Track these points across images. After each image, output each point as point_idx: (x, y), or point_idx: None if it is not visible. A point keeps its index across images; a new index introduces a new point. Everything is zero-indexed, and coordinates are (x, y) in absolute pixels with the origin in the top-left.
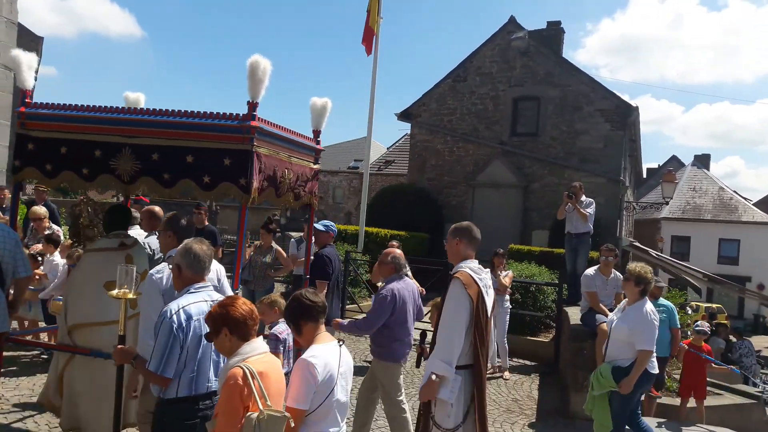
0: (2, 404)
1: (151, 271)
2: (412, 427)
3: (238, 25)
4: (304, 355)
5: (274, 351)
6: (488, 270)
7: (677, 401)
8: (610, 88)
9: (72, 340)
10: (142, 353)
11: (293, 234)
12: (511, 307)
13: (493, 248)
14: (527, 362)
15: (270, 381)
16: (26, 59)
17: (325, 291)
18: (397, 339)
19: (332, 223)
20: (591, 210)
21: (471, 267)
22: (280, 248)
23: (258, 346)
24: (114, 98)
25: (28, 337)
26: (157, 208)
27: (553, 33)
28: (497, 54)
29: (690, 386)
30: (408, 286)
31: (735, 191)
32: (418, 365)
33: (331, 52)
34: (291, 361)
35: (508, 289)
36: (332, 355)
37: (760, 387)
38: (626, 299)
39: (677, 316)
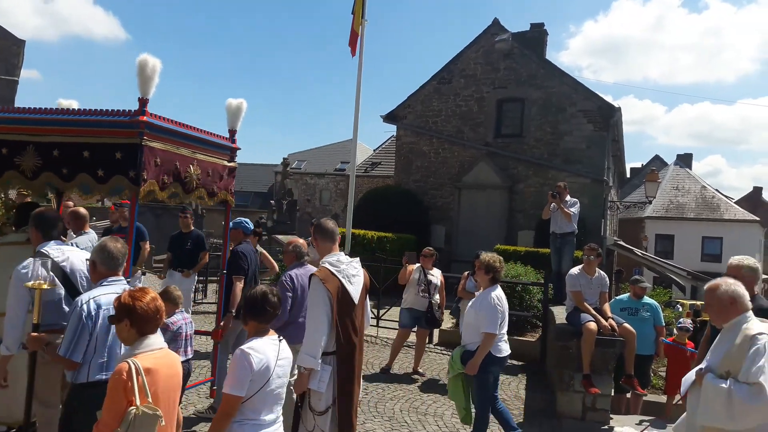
0: None
1: (18, 267)
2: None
3: (222, 26)
4: (243, 346)
5: (168, 341)
6: (356, 259)
7: (663, 398)
8: (594, 89)
9: None
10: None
11: (280, 237)
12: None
13: (477, 249)
14: (514, 362)
15: (158, 377)
16: None
17: (241, 285)
18: (294, 322)
19: (246, 220)
20: (575, 210)
21: (330, 261)
22: (265, 251)
23: (153, 342)
24: (99, 100)
25: None
26: (82, 210)
27: (537, 35)
28: (481, 56)
29: (675, 383)
30: (308, 272)
31: (717, 190)
32: None
33: (316, 53)
34: (189, 349)
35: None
36: (270, 349)
37: None
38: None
39: (662, 314)
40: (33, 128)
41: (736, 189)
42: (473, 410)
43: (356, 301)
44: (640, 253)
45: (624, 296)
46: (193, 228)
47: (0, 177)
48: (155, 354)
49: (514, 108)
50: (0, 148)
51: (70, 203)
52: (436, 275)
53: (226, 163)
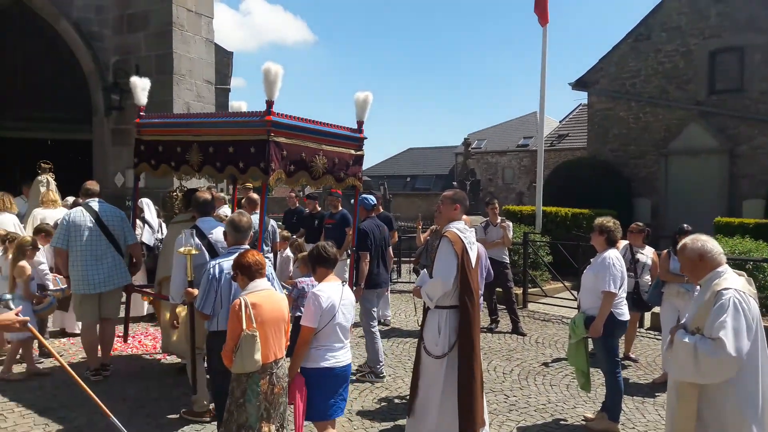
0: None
1: (178, 237)
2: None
3: (398, 15)
4: (313, 289)
5: (291, 295)
6: (473, 229)
7: None
8: None
9: (160, 289)
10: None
11: (465, 217)
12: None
13: (691, 224)
14: None
15: (262, 309)
16: (140, 83)
17: (367, 260)
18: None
19: (368, 197)
20: None
21: (458, 227)
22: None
23: (258, 285)
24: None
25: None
26: (255, 195)
27: None
28: (686, 4)
29: None
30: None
31: None
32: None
33: (492, 28)
34: None
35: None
36: (335, 291)
37: None
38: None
39: None
40: (195, 129)
41: None
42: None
43: (473, 265)
44: None
45: None
46: (381, 210)
47: (178, 170)
48: (260, 293)
49: (730, 59)
50: (175, 147)
51: (251, 190)
52: (646, 254)
53: (353, 152)
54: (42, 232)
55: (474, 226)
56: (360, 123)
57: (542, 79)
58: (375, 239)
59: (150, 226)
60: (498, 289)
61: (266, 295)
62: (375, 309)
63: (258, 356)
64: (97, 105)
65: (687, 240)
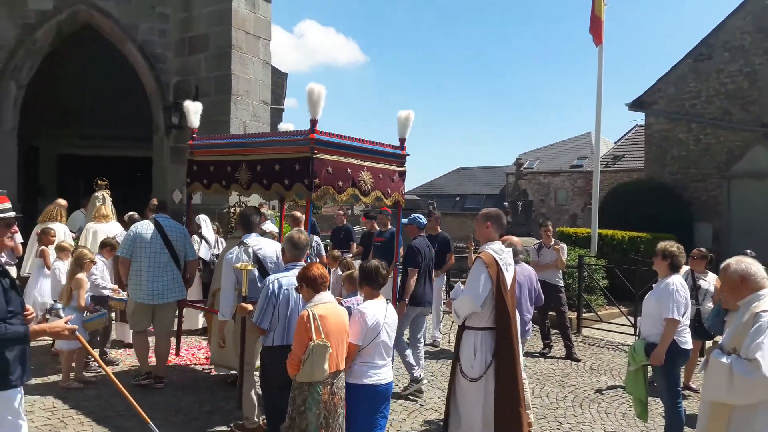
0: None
1: (226, 254)
2: None
3: (449, 35)
4: (359, 307)
5: None
6: (509, 250)
7: None
8: None
9: (214, 301)
10: (223, 311)
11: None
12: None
13: (753, 248)
14: None
15: (328, 321)
16: (193, 107)
17: (415, 277)
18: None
19: (419, 216)
20: None
21: (494, 248)
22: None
23: (323, 297)
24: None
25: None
26: (298, 213)
27: None
28: (750, 23)
29: None
30: (524, 270)
31: None
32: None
33: (545, 51)
34: None
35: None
36: (379, 309)
37: None
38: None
39: None
40: (244, 149)
41: None
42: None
43: (509, 286)
44: None
45: None
46: (440, 230)
47: (228, 188)
48: (325, 305)
49: None
50: (226, 166)
51: (296, 212)
52: (708, 280)
53: (395, 168)
54: (107, 246)
55: (527, 248)
56: (402, 140)
57: (598, 99)
58: (425, 257)
59: (207, 242)
60: (551, 313)
61: (330, 307)
62: (422, 329)
63: (326, 366)
64: (157, 124)
65: (731, 260)
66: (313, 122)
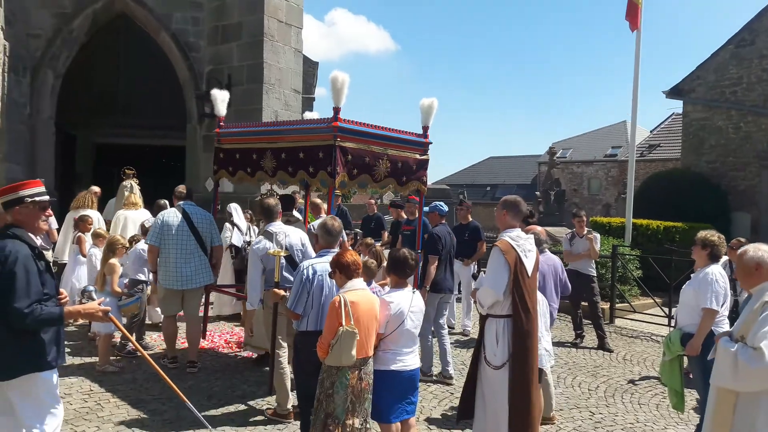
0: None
1: (253, 244)
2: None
3: (479, 25)
4: (383, 296)
5: None
6: (530, 237)
7: None
8: None
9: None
10: (250, 300)
11: (548, 229)
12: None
13: None
14: None
15: (358, 308)
16: (220, 95)
17: (435, 264)
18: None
19: (440, 203)
20: None
21: (511, 235)
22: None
23: (355, 284)
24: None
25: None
26: (317, 200)
27: None
28: None
29: None
30: (548, 260)
31: None
32: None
33: (579, 37)
34: None
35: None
36: (405, 298)
37: None
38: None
39: None
40: (269, 137)
41: None
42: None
43: (530, 273)
44: None
45: None
46: (471, 219)
47: (253, 176)
48: (357, 292)
49: None
50: (251, 154)
51: (317, 199)
52: None
53: (418, 156)
54: (99, 236)
55: (558, 238)
56: (425, 128)
57: (635, 87)
58: (446, 245)
59: (239, 229)
60: (583, 303)
61: (362, 294)
62: (444, 314)
63: (354, 352)
64: (190, 112)
65: (749, 247)
66: (336, 110)
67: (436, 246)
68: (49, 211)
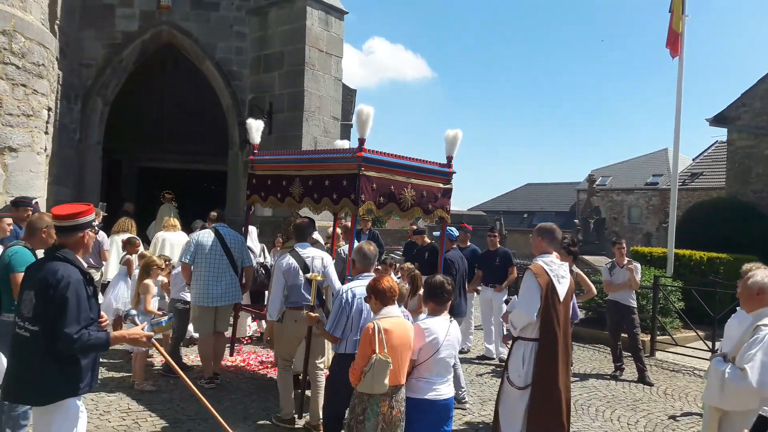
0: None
1: (278, 259)
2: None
3: (520, 51)
4: (418, 322)
5: None
6: (564, 264)
7: None
8: None
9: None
10: (270, 312)
11: (588, 258)
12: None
13: None
14: None
15: (392, 336)
16: (254, 124)
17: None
18: None
19: (452, 229)
20: None
21: (545, 260)
22: (582, 273)
23: (390, 311)
24: (409, 136)
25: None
26: (349, 224)
27: None
28: None
29: None
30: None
31: None
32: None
33: (618, 64)
34: None
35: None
36: (441, 326)
37: None
38: None
39: None
40: (298, 165)
41: None
42: None
43: (562, 299)
44: None
45: None
46: (499, 246)
47: (283, 202)
48: (392, 320)
49: None
50: (281, 180)
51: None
52: None
53: (441, 185)
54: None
55: (599, 267)
56: (449, 158)
57: (677, 114)
58: (458, 269)
59: (252, 251)
60: (623, 335)
61: (397, 322)
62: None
63: (387, 380)
64: (233, 139)
65: (758, 271)
66: (361, 141)
67: (449, 271)
68: (102, 233)
